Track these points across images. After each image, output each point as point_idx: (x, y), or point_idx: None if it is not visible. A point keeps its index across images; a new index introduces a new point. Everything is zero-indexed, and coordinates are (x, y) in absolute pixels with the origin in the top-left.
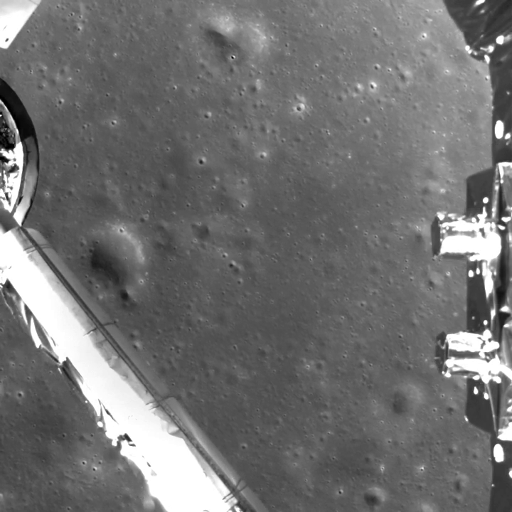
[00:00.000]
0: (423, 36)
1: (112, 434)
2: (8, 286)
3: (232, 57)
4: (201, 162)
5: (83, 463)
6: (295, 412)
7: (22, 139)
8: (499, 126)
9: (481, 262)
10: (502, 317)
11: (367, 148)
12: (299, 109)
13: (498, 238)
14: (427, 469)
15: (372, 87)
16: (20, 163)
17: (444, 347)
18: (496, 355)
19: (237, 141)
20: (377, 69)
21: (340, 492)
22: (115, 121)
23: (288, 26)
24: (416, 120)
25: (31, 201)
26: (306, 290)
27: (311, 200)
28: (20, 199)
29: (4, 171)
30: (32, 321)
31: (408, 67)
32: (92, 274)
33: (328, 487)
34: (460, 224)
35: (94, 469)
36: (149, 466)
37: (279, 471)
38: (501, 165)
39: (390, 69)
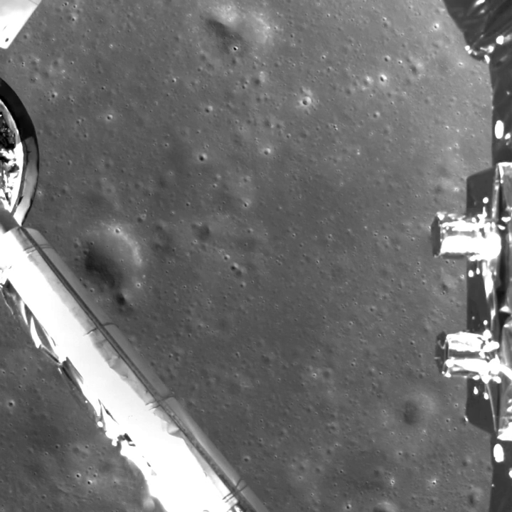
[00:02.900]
0: (435, 27)
1: (112, 434)
2: (8, 286)
3: (235, 49)
4: (202, 159)
5: (77, 476)
6: (301, 422)
7: (22, 139)
8: (499, 126)
9: (481, 262)
10: (502, 317)
11: (377, 145)
12: (305, 102)
13: (498, 238)
14: (439, 483)
15: (382, 79)
16: (20, 163)
17: (444, 347)
18: (496, 355)
19: (239, 137)
20: (387, 61)
21: (348, 507)
22: (111, 116)
23: (293, 16)
24: (428, 115)
25: (31, 201)
26: (312, 294)
27: (318, 198)
28: (20, 199)
29: (4, 171)
30: (32, 321)
31: (420, 59)
32: (87, 276)
33: (335, 502)
34: (460, 224)
35: (89, 482)
36: (149, 466)
37: (283, 485)
38: (501, 165)
39: (401, 61)
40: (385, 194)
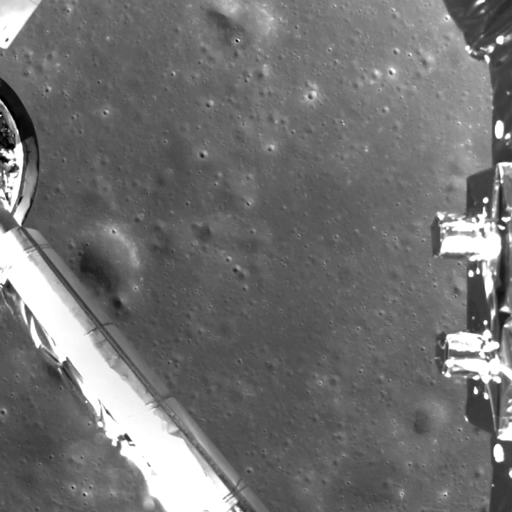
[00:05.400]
0: (446, 18)
1: (112, 434)
2: (8, 286)
3: (237, 41)
4: (202, 156)
5: (72, 487)
6: (306, 432)
7: (22, 139)
8: (499, 126)
9: (481, 262)
10: (502, 317)
11: (385, 141)
12: (310, 97)
13: (498, 238)
14: (450, 495)
15: (391, 73)
16: (20, 163)
17: (444, 347)
18: (496, 355)
19: (241, 133)
20: (396, 54)
21: None
22: (107, 111)
23: (298, 6)
24: (439, 110)
25: (31, 201)
26: (318, 298)
27: (324, 197)
28: (20, 199)
29: (4, 171)
30: (32, 321)
31: (430, 51)
32: (82, 279)
33: None
34: (460, 224)
35: (84, 494)
36: (149, 466)
37: (288, 498)
38: (501, 165)
39: (411, 54)
40: (394, 193)
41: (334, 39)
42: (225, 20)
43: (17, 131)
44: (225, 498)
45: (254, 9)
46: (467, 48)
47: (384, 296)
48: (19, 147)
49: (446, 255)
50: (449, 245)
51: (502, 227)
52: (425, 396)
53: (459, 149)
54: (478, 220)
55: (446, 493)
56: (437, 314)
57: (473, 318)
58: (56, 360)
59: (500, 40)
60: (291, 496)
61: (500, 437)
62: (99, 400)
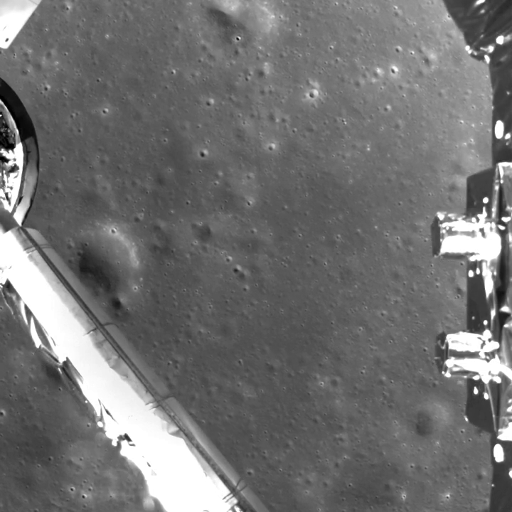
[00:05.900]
0: (449, 16)
1: (112, 434)
2: (8, 286)
3: (237, 39)
4: (202, 155)
5: (71, 489)
6: (307, 434)
7: (22, 139)
8: (499, 126)
9: (481, 262)
10: (502, 317)
11: (388, 140)
12: (311, 95)
13: (498, 238)
14: (453, 497)
15: (393, 71)
16: (20, 163)
17: (444, 347)
18: (496, 355)
19: (242, 132)
20: (398, 52)
21: None
22: (107, 110)
23: (299, 4)
24: (442, 109)
25: (31, 201)
26: (319, 298)
27: (326, 197)
28: (20, 199)
29: (4, 171)
30: (32, 321)
31: (433, 49)
32: (81, 279)
33: None
34: (460, 224)
35: (83, 496)
36: (149, 466)
37: (289, 500)
38: (501, 165)
39: (413, 52)
40: (396, 192)
41: (336, 37)
42: (225, 18)
43: (17, 131)
44: (225, 498)
45: (255, 7)
46: (467, 48)
47: (386, 296)
48: (19, 147)
49: (446, 255)
50: (449, 245)
51: (502, 227)
52: (427, 397)
53: (462, 148)
54: (478, 220)
55: (448, 495)
56: (440, 315)
57: (473, 318)
58: (56, 360)
59: (500, 40)
60: (292, 498)
61: (500, 437)
62: (99, 400)
